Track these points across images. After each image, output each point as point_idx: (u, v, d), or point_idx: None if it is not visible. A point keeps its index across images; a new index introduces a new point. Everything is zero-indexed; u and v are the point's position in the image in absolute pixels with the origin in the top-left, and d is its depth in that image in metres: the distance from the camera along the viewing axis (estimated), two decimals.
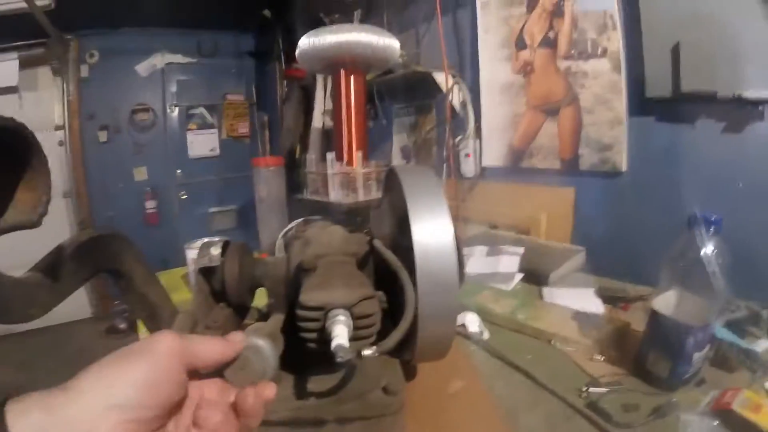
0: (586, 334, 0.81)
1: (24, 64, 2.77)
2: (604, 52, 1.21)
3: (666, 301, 0.67)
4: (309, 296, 0.42)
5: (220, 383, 0.33)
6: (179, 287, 1.19)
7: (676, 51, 1.03)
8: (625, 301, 0.95)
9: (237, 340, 0.34)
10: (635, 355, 0.72)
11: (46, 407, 0.25)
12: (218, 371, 0.33)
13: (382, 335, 0.44)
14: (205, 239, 1.08)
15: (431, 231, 0.46)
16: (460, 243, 0.50)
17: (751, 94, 0.93)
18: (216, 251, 0.54)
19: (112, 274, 0.51)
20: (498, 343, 0.82)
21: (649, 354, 0.69)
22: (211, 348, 0.32)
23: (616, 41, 1.18)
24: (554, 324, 0.85)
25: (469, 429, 0.58)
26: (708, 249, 0.62)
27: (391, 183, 0.59)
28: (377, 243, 0.50)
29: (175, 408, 0.30)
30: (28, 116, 2.85)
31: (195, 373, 0.32)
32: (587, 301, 0.96)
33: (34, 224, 0.37)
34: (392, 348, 0.41)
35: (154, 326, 0.50)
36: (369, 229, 0.58)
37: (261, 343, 0.35)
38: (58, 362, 2.53)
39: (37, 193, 0.38)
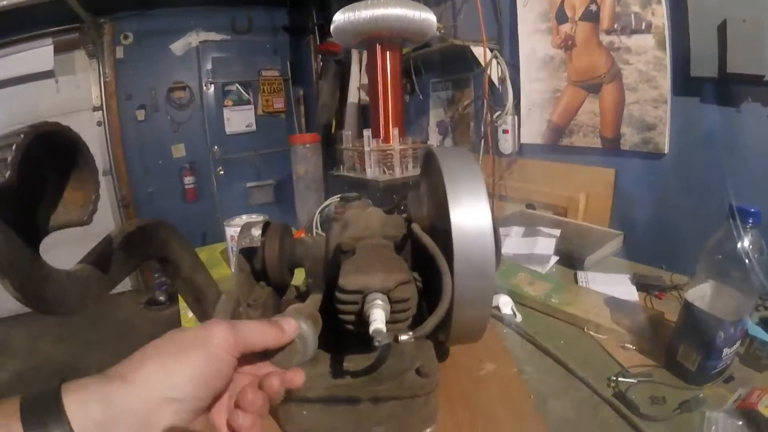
0: (618, 322, 0.79)
1: (59, 49, 2.84)
2: (649, 27, 1.15)
3: (700, 293, 0.65)
4: (348, 280, 0.43)
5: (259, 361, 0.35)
6: (218, 263, 1.23)
7: (722, 29, 0.98)
8: (661, 290, 0.92)
9: (289, 329, 0.35)
10: (667, 346, 0.71)
11: (105, 398, 0.26)
12: (266, 354, 0.35)
13: (417, 316, 0.45)
14: (243, 216, 1.12)
15: (470, 216, 0.46)
16: (497, 226, 0.50)
17: None
18: (257, 232, 0.55)
19: (159, 261, 0.52)
20: (530, 327, 0.82)
21: (680, 346, 0.67)
22: (262, 334, 0.33)
23: (660, 16, 1.12)
24: (587, 310, 0.84)
25: (498, 411, 0.58)
26: (745, 242, 0.59)
27: (429, 164, 0.59)
28: (415, 227, 0.50)
29: (224, 391, 0.32)
30: (65, 99, 2.96)
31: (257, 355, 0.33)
32: (622, 287, 0.94)
33: (84, 222, 0.39)
34: (427, 333, 0.42)
35: (200, 309, 0.52)
36: (407, 210, 0.59)
37: (304, 327, 0.36)
38: (99, 335, 2.63)
39: (85, 192, 0.39)
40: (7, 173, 0.28)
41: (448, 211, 0.46)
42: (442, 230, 0.47)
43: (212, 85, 3.43)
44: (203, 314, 0.53)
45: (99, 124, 3.10)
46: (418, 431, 0.52)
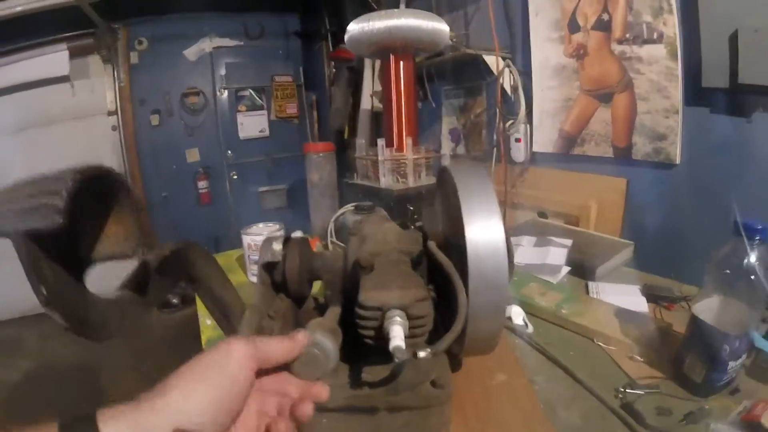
0: (627, 334, 0.81)
1: (74, 54, 2.89)
2: (660, 37, 1.16)
3: (708, 306, 0.66)
4: (368, 296, 0.46)
5: (276, 374, 0.38)
6: (234, 269, 1.25)
7: (734, 39, 0.98)
8: (670, 301, 0.93)
9: (300, 338, 0.38)
10: (674, 358, 0.72)
11: (135, 424, 0.29)
12: (285, 365, 0.38)
13: (432, 329, 0.47)
14: (260, 224, 1.15)
15: (483, 232, 0.48)
16: (509, 240, 0.52)
17: None
18: (278, 247, 0.58)
19: (190, 280, 0.56)
20: (541, 337, 0.83)
21: (686, 359, 0.69)
22: (278, 349, 0.36)
23: (672, 26, 1.13)
24: (597, 321, 0.85)
25: (509, 420, 0.60)
26: (752, 258, 0.60)
27: (443, 181, 0.61)
28: (431, 245, 0.53)
29: (242, 408, 0.35)
30: (80, 103, 3.00)
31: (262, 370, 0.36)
32: (632, 298, 0.95)
33: (128, 256, 0.43)
34: (444, 350, 0.44)
35: (228, 325, 0.55)
36: (422, 225, 0.61)
37: (325, 341, 0.39)
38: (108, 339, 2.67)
39: (126, 227, 0.43)
40: (59, 218, 0.32)
41: (463, 228, 0.48)
42: (456, 246, 0.50)
43: (226, 91, 3.46)
44: (230, 328, 0.56)
45: (114, 128, 3.16)
46: None
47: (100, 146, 3.12)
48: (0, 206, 0.33)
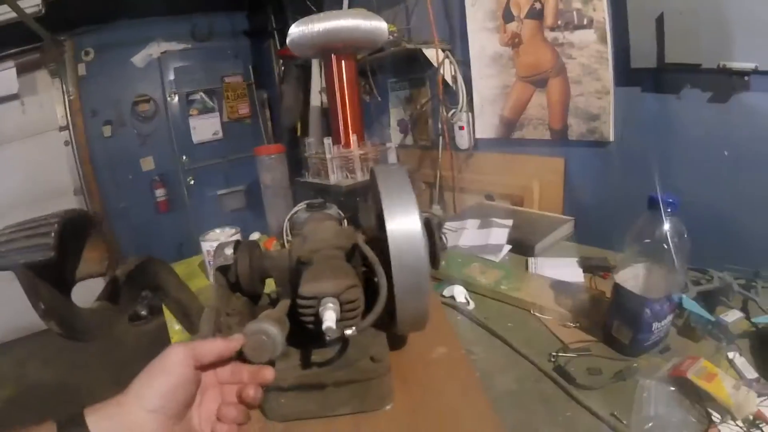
0: (561, 303, 0.87)
1: (21, 70, 2.82)
2: (590, 22, 1.22)
3: (631, 273, 0.72)
4: (305, 288, 0.52)
5: (231, 366, 0.45)
6: (197, 274, 1.28)
7: (660, 21, 1.04)
8: (605, 270, 0.99)
9: (235, 339, 0.45)
10: (603, 323, 0.78)
11: (110, 416, 0.37)
12: (240, 353, 0.45)
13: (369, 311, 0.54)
14: (217, 230, 1.18)
15: (402, 226, 0.55)
16: (434, 229, 0.58)
17: (736, 64, 0.94)
18: (229, 251, 0.64)
19: (152, 289, 0.67)
20: (482, 313, 0.90)
21: (614, 322, 0.74)
22: (212, 348, 0.43)
23: (601, 11, 1.19)
24: (533, 294, 0.92)
25: (447, 388, 0.66)
26: (665, 228, 0.66)
27: (372, 181, 0.67)
28: (360, 239, 0.59)
29: (193, 398, 0.42)
30: (31, 120, 2.95)
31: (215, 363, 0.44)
32: (569, 270, 1.02)
33: (102, 274, 0.57)
34: (374, 324, 0.50)
35: (188, 322, 0.62)
36: (357, 220, 0.67)
37: (270, 328, 0.45)
38: (85, 354, 2.60)
39: (99, 252, 0.56)
40: (51, 253, 0.45)
41: (384, 223, 0.54)
42: (383, 238, 0.56)
43: (176, 95, 3.42)
44: (191, 326, 0.63)
45: (66, 143, 3.09)
46: (378, 408, 0.61)
47: (54, 162, 3.05)
48: (2, 247, 0.45)
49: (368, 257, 0.56)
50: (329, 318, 0.48)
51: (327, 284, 0.52)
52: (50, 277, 0.48)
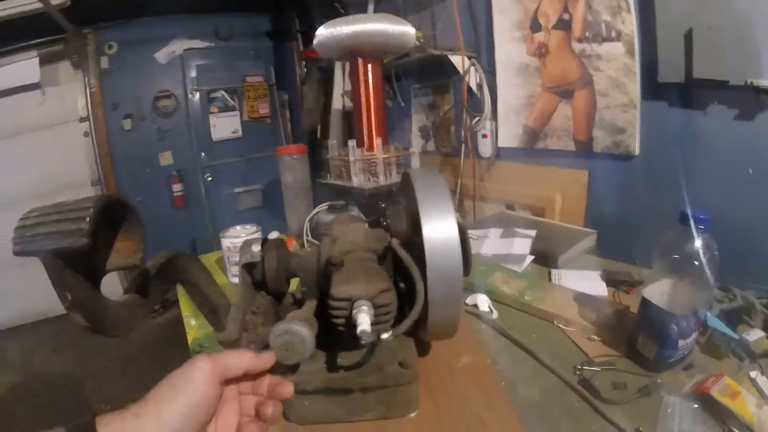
0: (585, 316, 0.86)
1: (44, 61, 2.85)
2: (618, 35, 1.21)
3: (658, 289, 0.72)
4: (338, 289, 0.52)
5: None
6: (214, 271, 1.28)
7: (689, 36, 1.03)
8: (629, 285, 0.98)
9: (265, 356, 0.43)
10: (628, 337, 0.77)
11: (123, 430, 0.34)
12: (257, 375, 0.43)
13: (400, 317, 0.53)
14: (237, 227, 1.18)
15: (439, 231, 0.54)
16: (466, 235, 0.58)
17: (764, 82, 0.93)
18: (256, 248, 0.63)
19: (182, 283, 0.64)
20: (505, 322, 0.89)
21: (639, 337, 0.74)
22: (238, 362, 0.41)
23: (629, 24, 1.18)
24: (557, 305, 0.91)
25: (472, 397, 0.65)
26: (696, 244, 0.65)
27: (406, 184, 0.67)
28: (395, 243, 0.58)
29: (213, 414, 0.40)
30: (52, 110, 2.98)
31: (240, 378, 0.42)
32: (592, 283, 1.01)
33: (136, 266, 0.53)
34: (405, 331, 0.50)
35: (215, 319, 0.61)
36: (388, 224, 0.66)
37: (301, 329, 0.44)
38: (93, 345, 2.63)
39: (134, 242, 0.53)
40: (85, 240, 0.41)
41: (421, 226, 0.53)
42: (416, 243, 0.55)
43: (197, 93, 3.45)
44: (218, 323, 0.62)
45: (86, 134, 3.12)
46: (403, 415, 0.61)
47: (72, 153, 3.09)
48: (29, 231, 0.41)
49: (404, 260, 0.55)
50: (364, 321, 0.47)
51: (360, 287, 0.51)
52: (80, 267, 0.45)
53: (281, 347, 0.44)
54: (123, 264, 0.52)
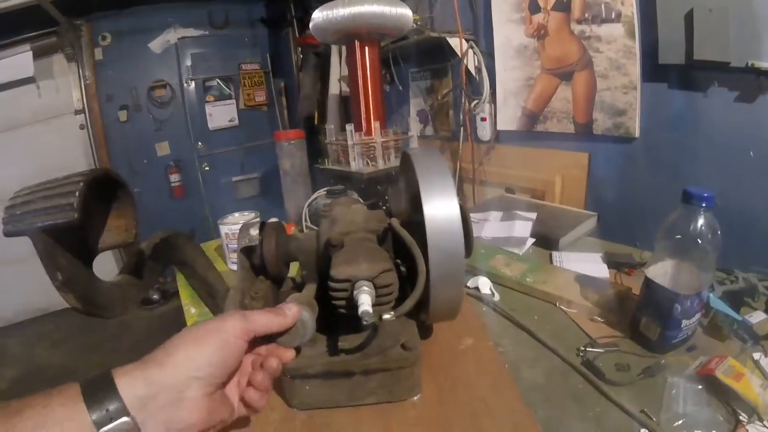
0: (587, 297, 0.85)
1: (38, 54, 2.81)
2: (618, 16, 1.19)
3: (661, 269, 0.71)
4: (338, 270, 0.50)
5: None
6: (214, 259, 1.27)
7: (689, 17, 1.02)
8: (630, 266, 0.98)
9: (291, 313, 0.42)
10: (631, 318, 0.77)
11: (146, 379, 0.33)
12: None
13: (401, 298, 0.52)
14: (236, 214, 1.17)
15: (440, 210, 0.53)
16: (467, 216, 0.56)
17: (765, 64, 0.92)
18: (254, 232, 0.62)
19: (178, 264, 0.62)
20: (507, 305, 0.88)
21: (642, 318, 0.73)
22: (268, 321, 0.40)
23: (630, 5, 1.16)
24: (559, 287, 0.90)
25: (475, 379, 0.65)
26: (699, 224, 0.64)
27: (406, 164, 0.66)
28: (395, 222, 0.57)
29: (238, 369, 0.40)
30: (47, 104, 2.94)
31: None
32: (593, 265, 1.00)
33: (130, 244, 0.51)
34: (407, 312, 0.49)
35: (213, 303, 0.60)
36: (388, 205, 0.65)
37: (303, 313, 0.43)
38: (94, 337, 2.64)
39: (126, 220, 0.51)
40: (74, 214, 0.39)
41: (422, 205, 0.52)
42: (417, 222, 0.54)
43: (193, 82, 3.42)
44: (215, 307, 0.60)
45: (81, 127, 3.10)
46: (406, 398, 0.60)
47: (69, 146, 3.06)
48: (18, 209, 0.40)
49: (405, 239, 0.54)
50: (365, 301, 0.46)
51: (361, 267, 0.50)
52: (71, 245, 0.43)
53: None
54: (116, 242, 0.50)
